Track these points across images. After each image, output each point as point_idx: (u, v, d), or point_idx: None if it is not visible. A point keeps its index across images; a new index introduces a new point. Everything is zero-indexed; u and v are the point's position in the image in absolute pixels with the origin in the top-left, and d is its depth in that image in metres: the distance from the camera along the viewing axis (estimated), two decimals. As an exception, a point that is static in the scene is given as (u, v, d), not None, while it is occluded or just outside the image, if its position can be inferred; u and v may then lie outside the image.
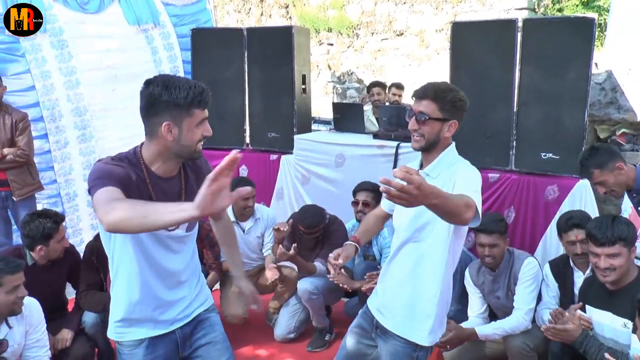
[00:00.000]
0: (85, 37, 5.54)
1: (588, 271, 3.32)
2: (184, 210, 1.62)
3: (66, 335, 3.55)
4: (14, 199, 4.64)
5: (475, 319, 3.65)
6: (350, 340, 2.76)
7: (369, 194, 4.33)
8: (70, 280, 3.91)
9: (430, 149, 2.43)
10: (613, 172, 3.15)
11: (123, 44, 5.87)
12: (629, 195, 3.28)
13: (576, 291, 3.40)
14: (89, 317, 3.70)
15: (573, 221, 3.40)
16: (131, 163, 2.09)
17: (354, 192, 4.39)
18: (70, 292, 3.98)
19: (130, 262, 2.17)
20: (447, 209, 1.90)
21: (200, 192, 1.55)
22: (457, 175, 2.33)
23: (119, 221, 1.74)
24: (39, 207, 4.91)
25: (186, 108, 2.02)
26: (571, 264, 3.48)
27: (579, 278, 3.39)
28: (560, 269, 3.52)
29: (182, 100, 2.00)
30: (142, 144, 2.16)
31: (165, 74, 2.10)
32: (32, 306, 3.12)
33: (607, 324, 2.88)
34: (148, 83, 2.04)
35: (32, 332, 3.09)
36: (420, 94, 2.40)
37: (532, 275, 3.48)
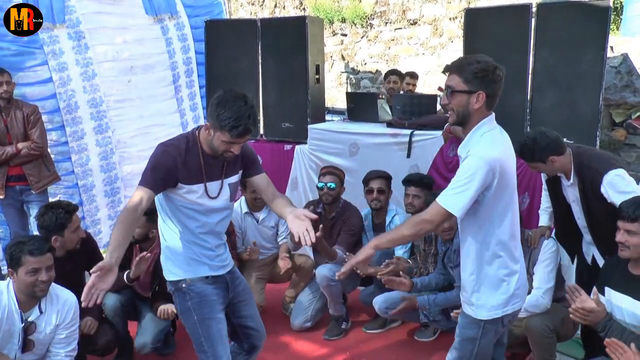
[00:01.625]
0: (102, 28, 5.56)
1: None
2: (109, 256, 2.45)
3: (91, 323, 3.59)
4: (33, 192, 4.70)
5: None
6: None
7: (383, 181, 4.35)
8: (88, 269, 3.94)
9: (463, 123, 2.46)
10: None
11: (139, 35, 5.88)
12: None
13: (564, 193, 3.48)
14: (109, 300, 3.75)
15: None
16: (188, 141, 2.70)
17: (367, 181, 4.40)
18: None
19: (189, 224, 2.79)
20: (403, 243, 2.59)
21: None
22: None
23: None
24: (57, 198, 4.97)
25: (219, 127, 2.54)
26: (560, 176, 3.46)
27: (566, 182, 3.43)
28: (553, 181, 3.55)
29: (219, 122, 2.53)
30: (202, 126, 2.73)
31: (236, 92, 2.59)
32: (69, 302, 3.12)
33: (627, 308, 2.85)
34: (223, 91, 2.61)
35: (63, 327, 3.08)
36: (447, 69, 2.46)
37: (551, 255, 3.48)
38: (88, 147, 5.50)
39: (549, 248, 3.52)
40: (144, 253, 3.64)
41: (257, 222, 4.59)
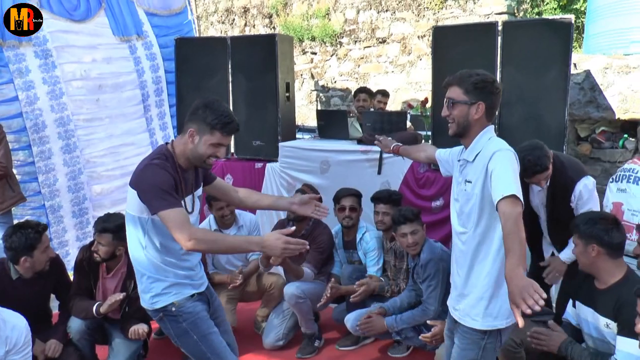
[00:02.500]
0: (69, 47, 5.52)
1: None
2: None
3: (55, 346, 3.51)
4: None
5: None
6: (447, 342, 2.88)
7: (354, 198, 4.36)
8: (55, 291, 3.85)
9: (464, 133, 2.53)
10: None
11: (107, 54, 5.85)
12: None
13: (532, 197, 3.59)
14: (74, 323, 3.66)
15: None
16: (167, 158, 2.67)
17: (337, 199, 4.40)
18: (54, 306, 3.93)
19: (173, 246, 2.71)
20: (525, 244, 2.22)
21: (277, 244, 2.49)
22: (491, 164, 2.38)
23: (203, 249, 2.66)
24: (24, 219, 4.85)
25: (209, 128, 2.61)
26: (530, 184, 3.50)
27: (537, 188, 3.52)
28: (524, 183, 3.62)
29: (210, 122, 2.61)
30: (174, 140, 2.77)
31: (218, 100, 2.70)
32: (18, 326, 2.96)
33: (592, 322, 2.90)
34: (203, 98, 2.69)
35: (14, 352, 2.92)
36: (447, 82, 2.55)
37: None
38: (55, 167, 5.41)
39: None
40: (120, 295, 3.58)
41: (227, 240, 4.54)
